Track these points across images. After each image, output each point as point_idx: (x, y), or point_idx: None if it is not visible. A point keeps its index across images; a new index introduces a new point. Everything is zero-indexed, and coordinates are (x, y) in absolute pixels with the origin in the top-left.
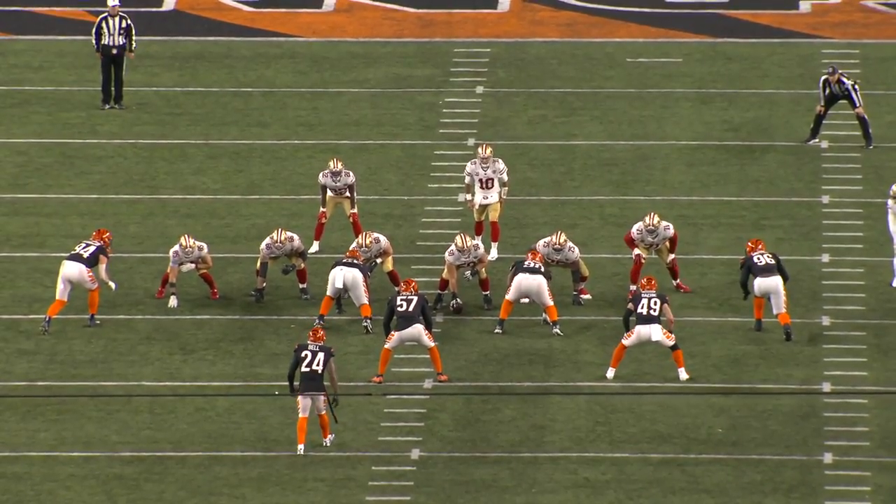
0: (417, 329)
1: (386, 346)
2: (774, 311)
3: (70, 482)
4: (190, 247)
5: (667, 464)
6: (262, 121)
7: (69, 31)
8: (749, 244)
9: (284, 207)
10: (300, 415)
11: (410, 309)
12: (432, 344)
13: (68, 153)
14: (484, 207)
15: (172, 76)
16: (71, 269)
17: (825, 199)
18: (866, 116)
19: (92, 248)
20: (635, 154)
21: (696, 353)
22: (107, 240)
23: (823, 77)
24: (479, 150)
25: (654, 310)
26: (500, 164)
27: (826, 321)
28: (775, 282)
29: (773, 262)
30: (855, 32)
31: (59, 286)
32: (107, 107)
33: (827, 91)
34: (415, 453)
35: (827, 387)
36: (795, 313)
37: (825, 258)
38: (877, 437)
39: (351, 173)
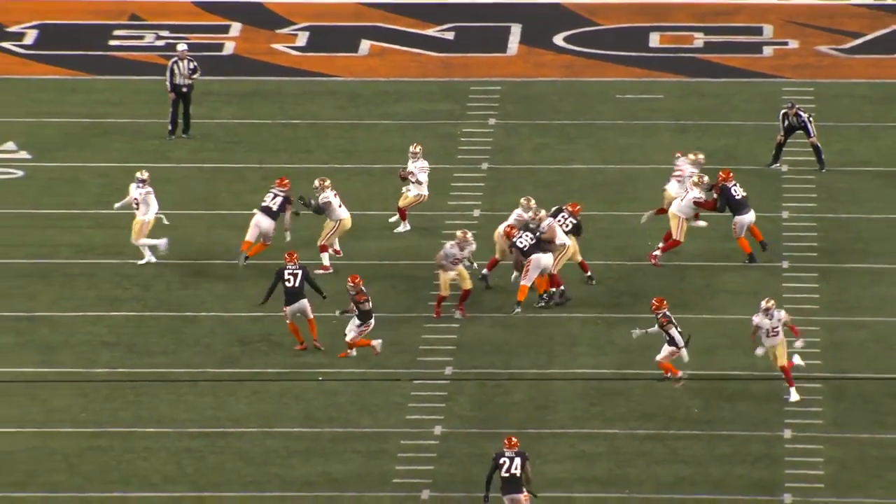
0: (303, 304)
1: (287, 322)
2: (735, 236)
3: (146, 454)
4: None
5: (651, 438)
6: (307, 148)
7: (144, 72)
8: (721, 174)
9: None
10: None
11: (297, 284)
12: (311, 316)
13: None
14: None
15: (231, 110)
16: (263, 222)
17: (785, 214)
18: (819, 144)
19: (280, 199)
20: (624, 176)
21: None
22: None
23: (783, 111)
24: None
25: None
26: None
27: (782, 314)
28: (752, 216)
29: (745, 193)
30: (810, 73)
31: (251, 231)
32: (172, 137)
33: (786, 123)
34: (437, 430)
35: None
36: (756, 307)
37: (785, 264)
38: (828, 416)
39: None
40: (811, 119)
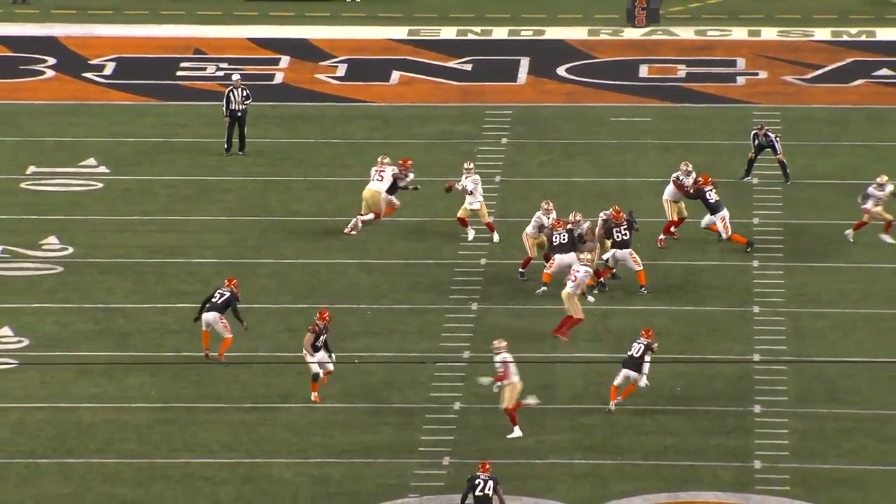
0: (215, 317)
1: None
2: (725, 236)
3: (206, 425)
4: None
5: (640, 413)
6: (344, 163)
7: (206, 99)
8: (700, 179)
9: (365, 227)
10: None
11: (220, 302)
12: (227, 335)
13: (205, 186)
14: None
15: (280, 131)
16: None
17: (755, 220)
18: (785, 160)
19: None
20: (618, 188)
21: (662, 332)
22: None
23: (754, 131)
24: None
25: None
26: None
27: (756, 309)
28: (725, 212)
29: (718, 198)
30: (777, 99)
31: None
32: (227, 154)
33: (756, 142)
34: (456, 405)
35: (757, 357)
36: (734, 304)
37: (755, 263)
38: (793, 394)
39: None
40: (778, 138)
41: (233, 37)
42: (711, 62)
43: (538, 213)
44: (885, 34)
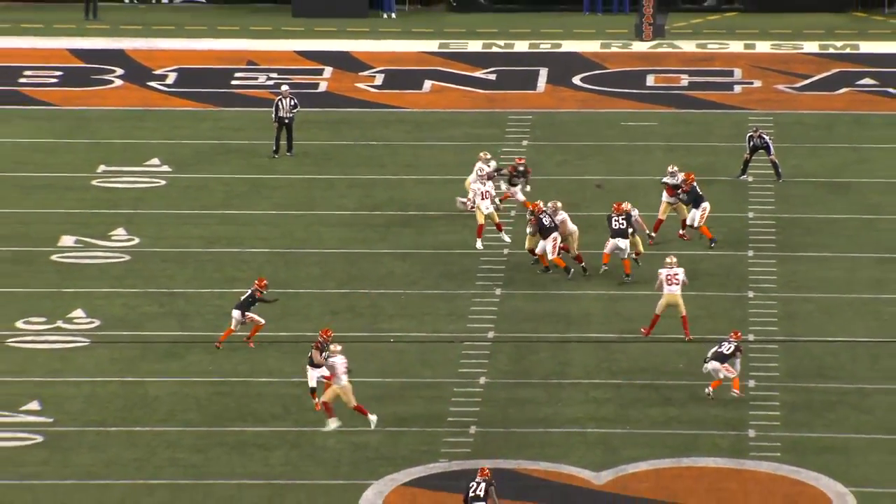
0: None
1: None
2: (696, 225)
3: (258, 398)
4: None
5: (646, 387)
6: (382, 163)
7: (258, 105)
8: (687, 176)
9: (399, 220)
10: None
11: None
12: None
13: (256, 184)
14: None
15: (324, 134)
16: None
17: (750, 214)
18: (777, 161)
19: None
20: (627, 185)
21: (667, 315)
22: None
23: (749, 134)
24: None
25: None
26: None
27: (751, 294)
28: (707, 205)
29: (702, 193)
30: (770, 106)
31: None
32: (276, 156)
33: (751, 143)
34: (482, 380)
35: (751, 337)
36: (731, 290)
37: (750, 253)
38: (783, 370)
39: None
40: (771, 140)
41: (282, 50)
42: (711, 72)
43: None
44: (867, 48)
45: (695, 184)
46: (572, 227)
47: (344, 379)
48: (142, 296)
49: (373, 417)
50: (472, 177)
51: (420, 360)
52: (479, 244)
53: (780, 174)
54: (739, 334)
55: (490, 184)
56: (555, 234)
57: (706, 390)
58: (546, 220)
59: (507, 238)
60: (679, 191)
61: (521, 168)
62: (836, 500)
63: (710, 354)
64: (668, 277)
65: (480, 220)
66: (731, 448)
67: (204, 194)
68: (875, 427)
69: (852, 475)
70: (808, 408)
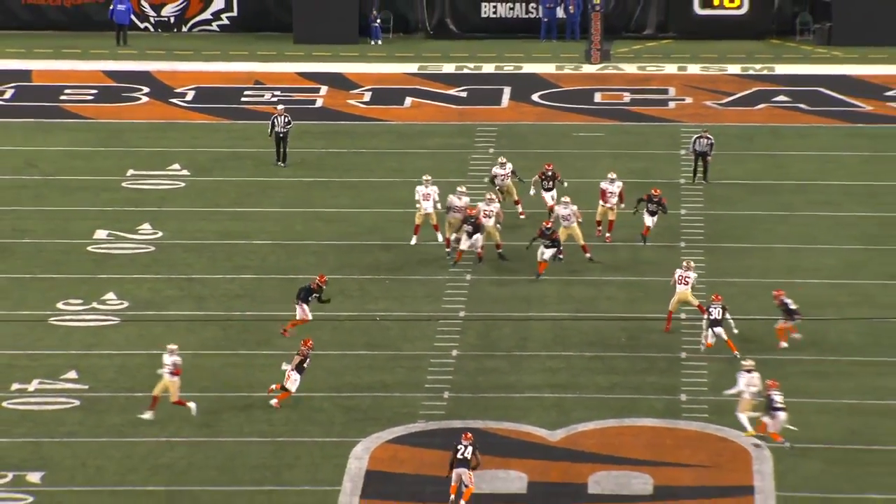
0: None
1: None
2: (647, 224)
3: (263, 368)
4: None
5: (595, 359)
6: (370, 168)
7: (264, 118)
8: (654, 190)
9: (384, 217)
10: (453, 482)
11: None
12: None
13: (262, 185)
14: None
15: (321, 143)
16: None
17: (683, 211)
18: (709, 165)
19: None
20: (577, 187)
21: (611, 297)
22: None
23: (696, 136)
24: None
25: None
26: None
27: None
28: (653, 218)
29: (656, 207)
30: (699, 119)
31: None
32: (277, 164)
33: (697, 145)
34: (454, 353)
35: (683, 315)
36: (666, 275)
37: (682, 245)
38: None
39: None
40: (712, 146)
41: (284, 71)
42: (649, 91)
43: (451, 195)
44: (781, 69)
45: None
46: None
47: (169, 376)
48: (164, 281)
49: (192, 405)
50: (498, 182)
51: (401, 335)
52: (413, 241)
53: (708, 178)
54: (720, 297)
55: (434, 188)
56: (476, 238)
57: (704, 343)
58: (468, 227)
59: (441, 237)
60: (652, 203)
61: (550, 173)
62: (754, 453)
63: (705, 324)
64: (681, 277)
65: (418, 220)
66: (666, 410)
67: (218, 195)
68: (787, 390)
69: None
70: (731, 375)
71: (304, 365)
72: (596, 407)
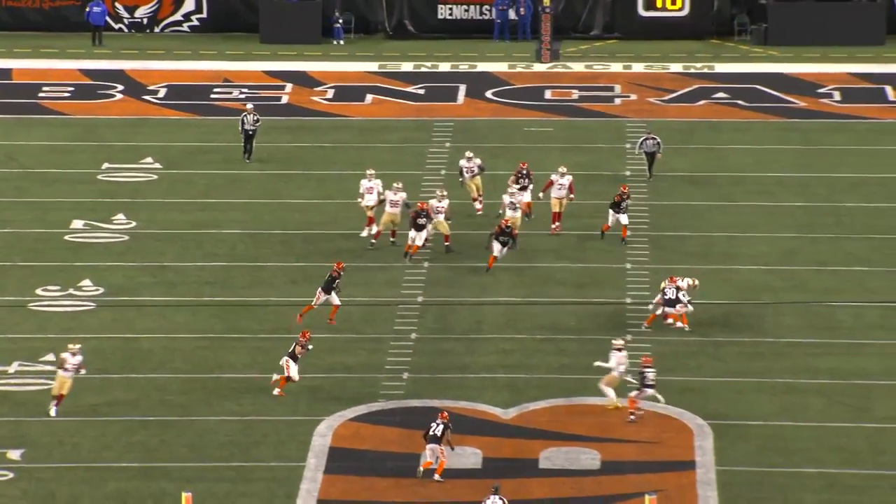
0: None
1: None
2: (623, 223)
3: (232, 350)
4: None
5: (545, 341)
6: (333, 160)
7: (233, 114)
8: (622, 188)
9: (347, 208)
10: (428, 458)
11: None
12: (335, 303)
13: (231, 178)
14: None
15: (286, 137)
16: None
17: (629, 202)
18: (655, 161)
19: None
20: (517, 170)
21: (561, 282)
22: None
23: (643, 138)
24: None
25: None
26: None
27: (629, 266)
28: (622, 216)
29: (624, 207)
30: (644, 115)
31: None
32: (246, 158)
33: (644, 146)
34: (413, 336)
35: (628, 300)
36: (612, 262)
37: (629, 233)
38: (656, 328)
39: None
40: (660, 144)
41: (252, 70)
42: (597, 88)
43: (388, 191)
44: (721, 68)
45: (626, 196)
46: (437, 216)
47: (68, 374)
48: (138, 268)
49: (55, 409)
50: (466, 176)
51: (363, 319)
52: (364, 233)
53: (652, 172)
54: (675, 279)
55: (378, 182)
56: (424, 232)
57: (672, 321)
58: (422, 220)
59: (374, 230)
60: (625, 201)
61: (525, 171)
62: (696, 430)
63: (654, 303)
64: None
65: (368, 212)
66: (613, 389)
67: (189, 186)
68: (726, 371)
69: (708, 410)
70: (673, 356)
71: (298, 354)
72: (547, 387)
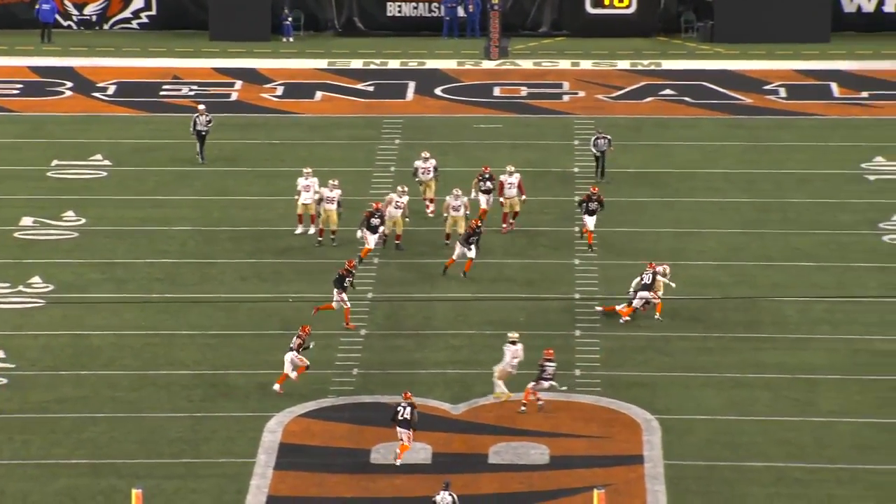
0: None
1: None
2: (589, 228)
3: (182, 347)
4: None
5: (494, 336)
6: (282, 158)
7: (182, 111)
8: (592, 188)
9: (295, 203)
10: (403, 441)
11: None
12: (345, 305)
13: (180, 175)
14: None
15: (236, 134)
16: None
17: (576, 198)
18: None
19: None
20: (479, 174)
21: (510, 278)
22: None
23: (594, 137)
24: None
25: None
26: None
27: (577, 261)
28: (592, 219)
29: (596, 205)
30: (591, 112)
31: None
32: (201, 160)
33: (595, 146)
34: (363, 332)
35: (577, 295)
36: (562, 258)
37: (576, 230)
38: (602, 322)
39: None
40: (610, 143)
41: (201, 67)
42: (545, 85)
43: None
44: (667, 65)
45: (595, 197)
46: (395, 211)
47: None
48: (87, 265)
49: None
50: (421, 176)
51: (313, 315)
52: (298, 230)
53: (603, 176)
54: (654, 265)
55: (315, 180)
56: (379, 233)
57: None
58: (376, 221)
59: (312, 229)
60: (592, 202)
61: (487, 175)
62: (644, 424)
63: (633, 287)
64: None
65: (299, 210)
66: (561, 384)
67: (138, 183)
68: (674, 367)
69: (656, 405)
70: (621, 352)
71: (300, 349)
72: (486, 383)
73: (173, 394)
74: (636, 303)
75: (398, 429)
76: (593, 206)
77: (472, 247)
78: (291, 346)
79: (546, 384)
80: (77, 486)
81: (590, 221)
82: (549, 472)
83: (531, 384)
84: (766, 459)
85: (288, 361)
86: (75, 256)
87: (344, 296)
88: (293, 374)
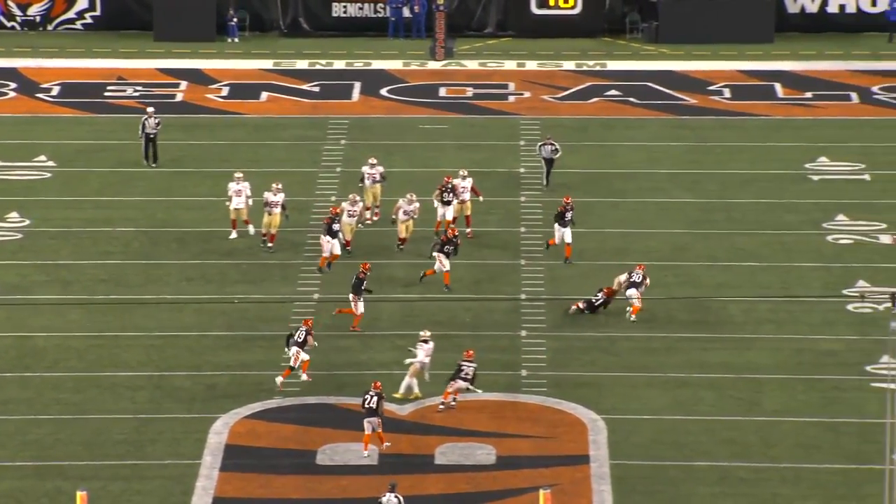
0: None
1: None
2: (567, 241)
3: (127, 348)
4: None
5: (440, 337)
6: (228, 158)
7: (126, 112)
8: (565, 200)
9: (252, 202)
10: (366, 431)
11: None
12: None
13: (125, 176)
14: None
15: (181, 135)
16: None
17: (522, 198)
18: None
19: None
20: (425, 176)
21: (457, 279)
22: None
23: (541, 143)
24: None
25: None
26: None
27: (523, 262)
28: (567, 231)
29: (569, 218)
30: (537, 112)
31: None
32: (147, 165)
33: (542, 152)
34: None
35: (523, 296)
36: (507, 259)
37: (522, 230)
38: (549, 322)
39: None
40: (557, 150)
41: (146, 67)
42: (490, 86)
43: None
44: (613, 66)
45: (570, 207)
46: (349, 220)
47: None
48: (32, 267)
49: None
50: (367, 182)
51: (259, 316)
52: (232, 234)
53: (549, 182)
54: (643, 266)
55: (247, 184)
56: (338, 240)
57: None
58: (336, 227)
59: (251, 230)
60: (568, 212)
61: (450, 186)
62: (590, 424)
63: (623, 283)
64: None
65: (232, 215)
66: (508, 385)
67: (83, 184)
68: (619, 366)
69: (602, 405)
70: (567, 352)
71: (302, 341)
72: (443, 383)
73: (118, 395)
74: (636, 302)
75: (365, 419)
76: (568, 216)
77: (446, 256)
78: (297, 339)
79: (463, 384)
80: (22, 488)
81: (566, 234)
82: (495, 472)
83: (449, 385)
84: (711, 459)
85: (293, 356)
86: (19, 258)
87: (360, 301)
88: (304, 377)
